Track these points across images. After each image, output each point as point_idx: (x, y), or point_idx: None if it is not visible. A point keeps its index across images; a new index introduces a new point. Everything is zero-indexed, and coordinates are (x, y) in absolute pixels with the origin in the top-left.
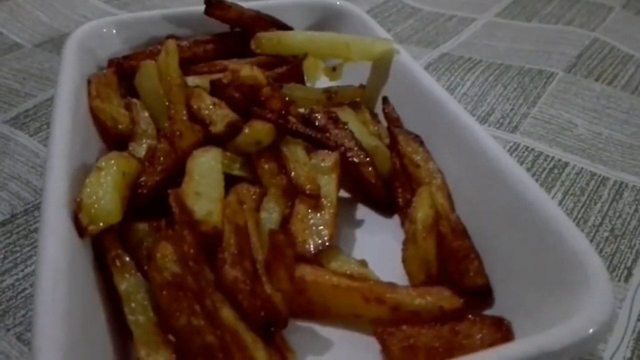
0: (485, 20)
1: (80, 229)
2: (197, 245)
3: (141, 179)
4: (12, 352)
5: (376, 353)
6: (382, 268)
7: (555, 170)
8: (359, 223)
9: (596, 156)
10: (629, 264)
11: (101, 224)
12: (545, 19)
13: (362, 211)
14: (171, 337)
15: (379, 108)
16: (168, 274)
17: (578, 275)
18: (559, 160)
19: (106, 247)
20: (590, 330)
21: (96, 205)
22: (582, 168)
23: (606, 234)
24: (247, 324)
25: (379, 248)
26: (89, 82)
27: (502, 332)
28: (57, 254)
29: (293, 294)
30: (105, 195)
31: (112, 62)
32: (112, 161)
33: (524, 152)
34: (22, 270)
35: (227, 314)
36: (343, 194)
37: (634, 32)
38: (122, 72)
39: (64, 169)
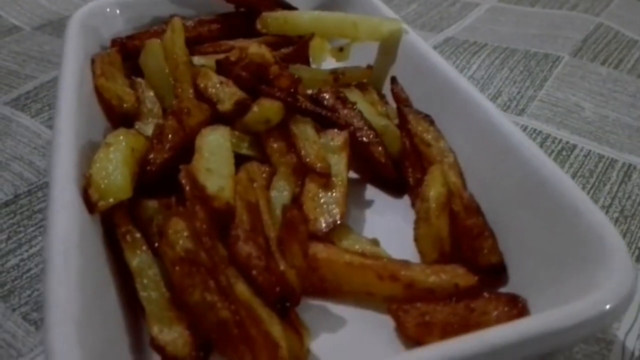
0: (489, 5)
1: (90, 205)
2: (209, 221)
3: (150, 156)
4: (18, 331)
5: (390, 330)
6: (393, 248)
7: (564, 153)
8: (368, 203)
9: (603, 139)
10: (639, 245)
11: (111, 199)
12: (549, 4)
13: (372, 191)
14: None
15: (386, 89)
16: (180, 250)
17: (596, 249)
18: (567, 142)
19: (116, 223)
20: (609, 306)
21: (106, 181)
22: (590, 150)
23: (616, 214)
24: (261, 299)
25: (389, 228)
26: (92, 61)
27: (517, 309)
28: (68, 230)
29: (306, 271)
30: (115, 170)
31: (115, 42)
32: (121, 137)
33: (531, 135)
34: (26, 251)
35: (241, 289)
36: (352, 174)
37: (638, 17)
38: (126, 52)
39: (71, 146)
